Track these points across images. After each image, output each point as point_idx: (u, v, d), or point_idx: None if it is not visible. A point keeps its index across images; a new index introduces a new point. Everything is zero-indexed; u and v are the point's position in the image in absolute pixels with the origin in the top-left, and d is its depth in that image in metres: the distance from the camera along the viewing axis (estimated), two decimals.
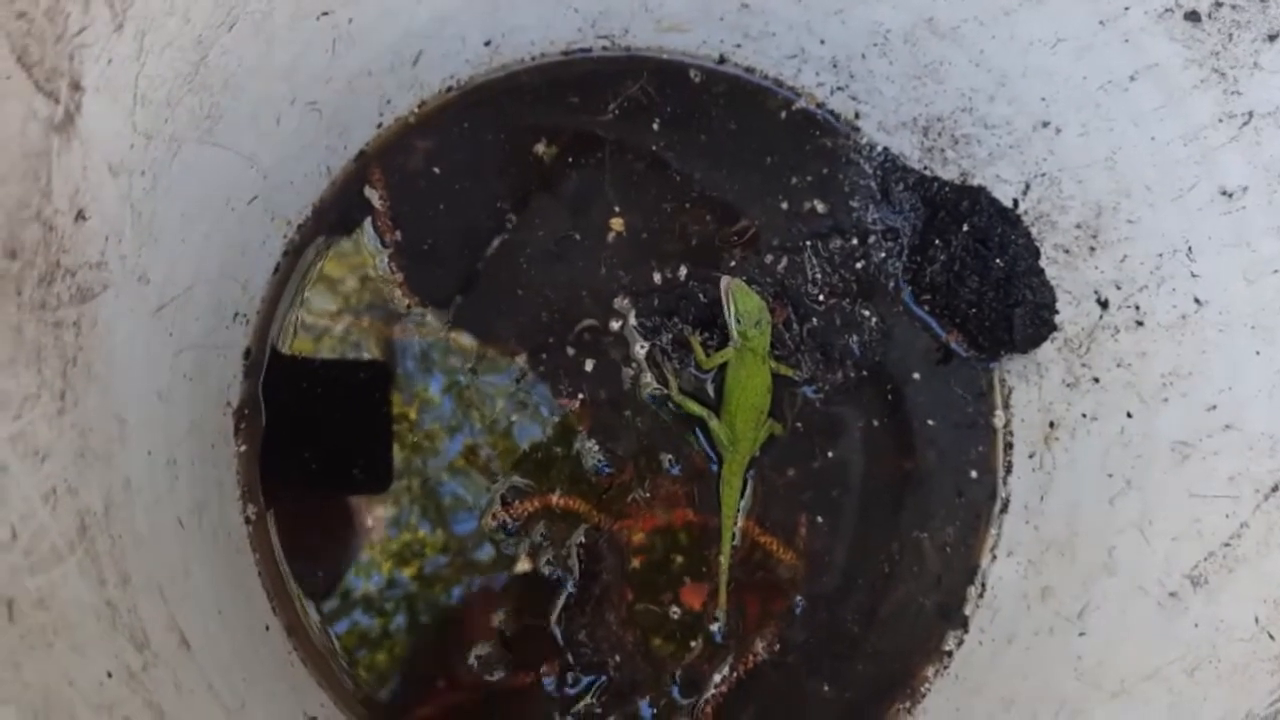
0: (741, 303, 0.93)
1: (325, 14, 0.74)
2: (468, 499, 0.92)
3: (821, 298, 0.99)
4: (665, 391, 0.95)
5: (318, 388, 0.92)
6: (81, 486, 0.61)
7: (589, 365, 0.95)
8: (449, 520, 0.92)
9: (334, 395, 0.93)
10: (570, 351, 0.95)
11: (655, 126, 1.00)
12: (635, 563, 0.94)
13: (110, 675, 0.59)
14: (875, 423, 0.98)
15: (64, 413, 0.59)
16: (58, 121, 0.54)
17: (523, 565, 0.92)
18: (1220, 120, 0.78)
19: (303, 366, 0.92)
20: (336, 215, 0.94)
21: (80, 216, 0.58)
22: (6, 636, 0.52)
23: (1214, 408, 0.83)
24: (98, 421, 0.63)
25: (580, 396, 0.94)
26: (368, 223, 0.94)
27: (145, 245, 0.66)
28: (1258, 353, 0.80)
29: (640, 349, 0.96)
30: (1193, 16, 0.76)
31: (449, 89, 0.96)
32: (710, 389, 0.97)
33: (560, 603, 0.92)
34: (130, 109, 0.60)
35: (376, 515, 0.92)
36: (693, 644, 0.93)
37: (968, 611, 0.97)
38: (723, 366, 0.95)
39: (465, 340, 0.94)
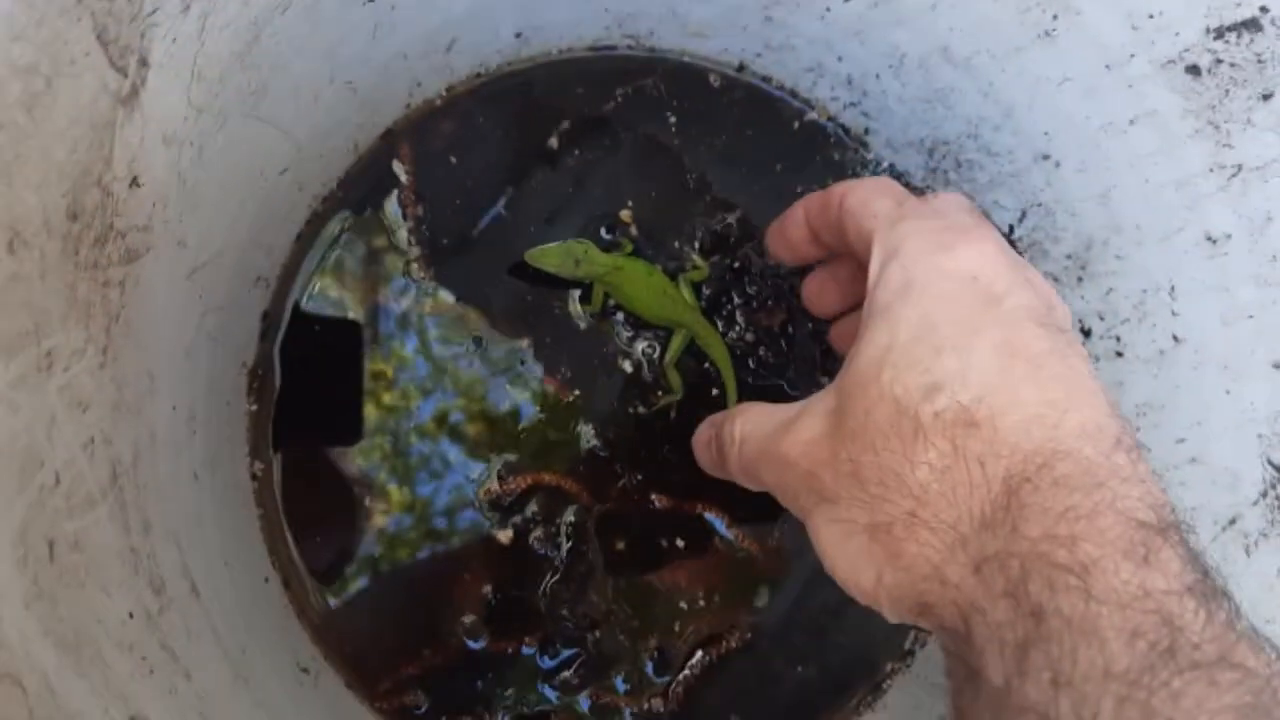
0: (553, 265, 0.94)
1: (370, 1, 0.77)
2: (455, 467, 0.96)
3: None
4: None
5: (328, 347, 0.96)
6: (115, 437, 0.64)
7: (592, 353, 0.99)
8: (438, 487, 0.96)
9: (343, 353, 0.96)
10: (574, 337, 0.99)
11: (671, 122, 1.02)
12: (621, 544, 0.98)
13: (131, 616, 0.63)
14: None
15: (105, 367, 0.63)
16: (124, 95, 0.57)
17: (504, 536, 0.96)
18: (1211, 170, 0.82)
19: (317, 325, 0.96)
20: (359, 188, 0.97)
21: (134, 183, 0.61)
22: (47, 574, 0.55)
23: (1183, 440, 0.87)
24: (132, 376, 0.67)
25: (575, 380, 0.98)
26: (393, 196, 0.97)
27: (186, 212, 0.70)
28: (1227, 392, 0.84)
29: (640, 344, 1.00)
30: (1193, 70, 0.80)
31: (477, 75, 0.99)
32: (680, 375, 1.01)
33: (546, 578, 0.96)
34: (187, 84, 0.63)
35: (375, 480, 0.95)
36: (673, 625, 0.98)
37: None
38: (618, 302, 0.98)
39: (472, 317, 0.98)
